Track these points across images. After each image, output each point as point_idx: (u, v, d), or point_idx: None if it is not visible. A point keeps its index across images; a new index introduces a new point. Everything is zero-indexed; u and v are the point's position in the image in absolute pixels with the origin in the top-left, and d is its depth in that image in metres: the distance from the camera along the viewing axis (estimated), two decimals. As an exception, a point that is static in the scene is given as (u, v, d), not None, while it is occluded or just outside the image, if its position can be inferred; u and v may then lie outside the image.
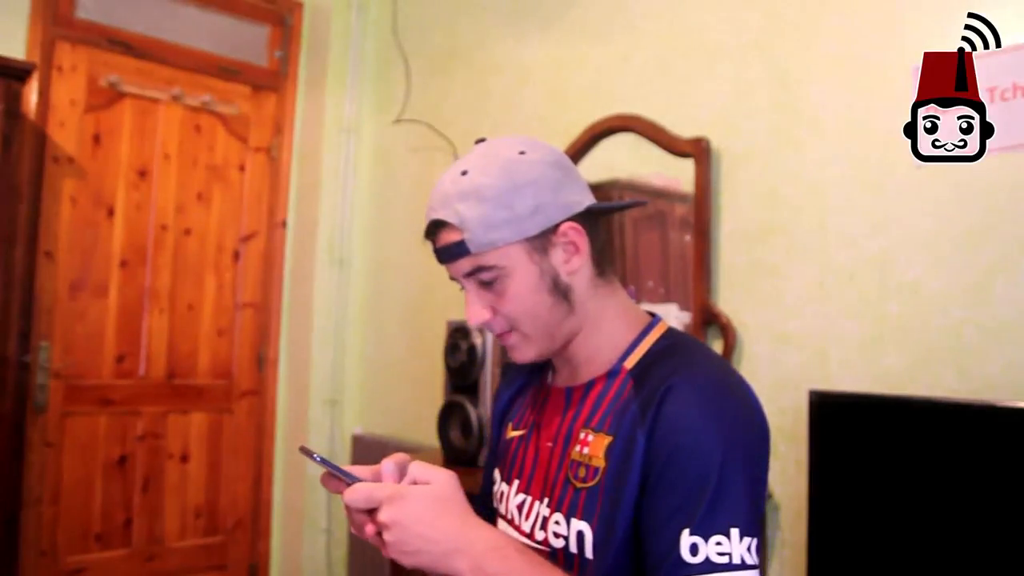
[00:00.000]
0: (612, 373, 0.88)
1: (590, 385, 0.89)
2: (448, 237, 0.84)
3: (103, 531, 2.58)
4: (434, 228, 0.85)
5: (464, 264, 0.84)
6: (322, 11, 3.03)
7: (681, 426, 0.77)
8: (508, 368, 1.10)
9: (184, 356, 2.78)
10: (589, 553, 0.80)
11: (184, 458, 2.77)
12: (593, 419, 0.86)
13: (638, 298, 2.06)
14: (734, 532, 0.72)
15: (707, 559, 0.71)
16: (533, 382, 1.02)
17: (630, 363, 0.87)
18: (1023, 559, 1.22)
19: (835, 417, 1.49)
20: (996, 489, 1.27)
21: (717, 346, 1.86)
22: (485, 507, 1.04)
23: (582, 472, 0.84)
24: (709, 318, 1.87)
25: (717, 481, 0.74)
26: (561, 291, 0.86)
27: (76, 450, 2.54)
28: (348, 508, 0.78)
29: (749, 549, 0.72)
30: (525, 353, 0.89)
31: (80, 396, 2.55)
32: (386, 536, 0.75)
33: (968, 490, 1.30)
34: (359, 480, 0.79)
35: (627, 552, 0.78)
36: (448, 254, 0.84)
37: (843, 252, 1.67)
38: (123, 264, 2.65)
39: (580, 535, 0.82)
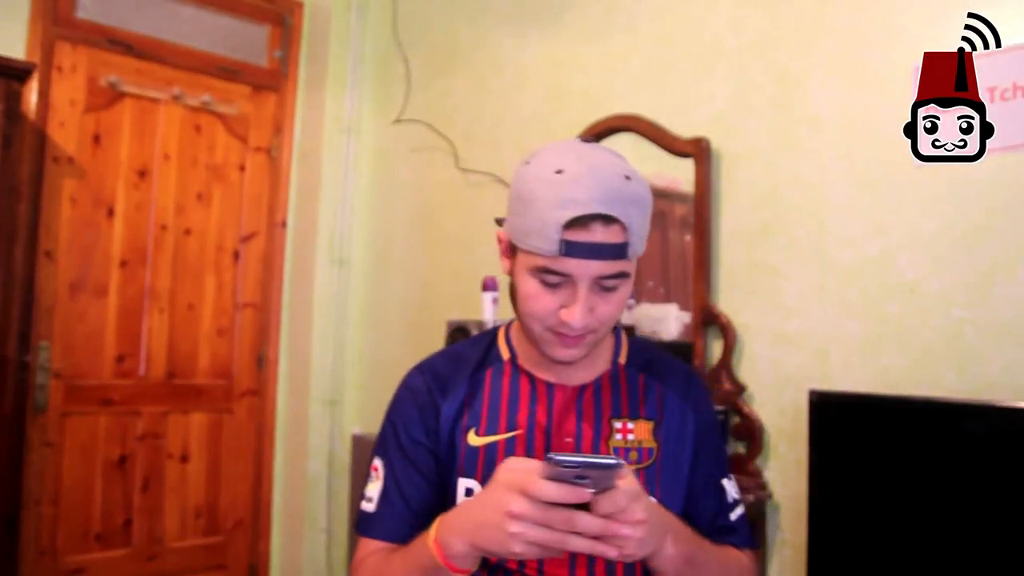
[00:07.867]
0: (614, 370, 1.01)
1: (598, 381, 1.00)
2: (610, 236, 0.82)
3: (103, 531, 2.57)
4: (594, 220, 0.81)
5: (611, 266, 0.84)
6: (322, 11, 3.03)
7: (708, 402, 1.05)
8: (436, 377, 1.05)
9: (184, 356, 2.78)
10: None
11: (184, 458, 2.77)
12: (621, 409, 0.98)
13: (638, 298, 2.06)
14: (731, 475, 1.05)
15: (734, 497, 1.02)
16: (481, 386, 1.00)
17: (623, 360, 1.03)
18: (1023, 559, 1.22)
19: (835, 417, 1.49)
20: (996, 489, 1.27)
21: (717, 346, 1.87)
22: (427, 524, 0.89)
23: (634, 455, 0.96)
24: (709, 318, 1.87)
25: (723, 442, 1.04)
26: None
27: (76, 450, 2.53)
28: (591, 515, 0.71)
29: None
30: (579, 354, 0.92)
31: (80, 396, 2.55)
32: (638, 533, 0.73)
33: (968, 490, 1.30)
34: (613, 484, 0.72)
35: (682, 512, 0.95)
36: (607, 252, 0.83)
37: (843, 252, 1.67)
38: (123, 264, 2.65)
39: None
